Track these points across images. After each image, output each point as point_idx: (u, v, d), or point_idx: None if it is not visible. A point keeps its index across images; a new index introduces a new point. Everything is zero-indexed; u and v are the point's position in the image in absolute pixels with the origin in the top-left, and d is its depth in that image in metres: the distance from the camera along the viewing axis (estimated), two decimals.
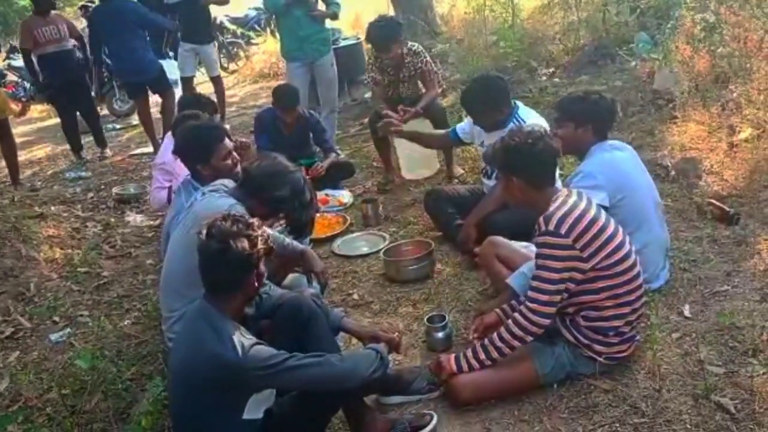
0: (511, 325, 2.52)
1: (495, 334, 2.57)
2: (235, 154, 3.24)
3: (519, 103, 3.87)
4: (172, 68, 7.70)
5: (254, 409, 2.15)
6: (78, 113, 7.28)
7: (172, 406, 2.28)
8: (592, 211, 2.50)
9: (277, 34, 6.88)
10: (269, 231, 3.28)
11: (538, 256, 2.51)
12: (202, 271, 2.16)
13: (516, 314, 2.53)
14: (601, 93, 3.25)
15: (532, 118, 3.67)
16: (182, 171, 3.51)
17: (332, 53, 5.85)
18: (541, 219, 2.48)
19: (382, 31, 4.80)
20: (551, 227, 2.43)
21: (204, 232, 2.14)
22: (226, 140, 3.21)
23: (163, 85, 7.00)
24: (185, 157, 3.24)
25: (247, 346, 2.04)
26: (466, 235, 3.73)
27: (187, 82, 7.36)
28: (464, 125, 4.08)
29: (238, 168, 3.23)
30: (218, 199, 2.75)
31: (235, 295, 2.18)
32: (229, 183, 2.94)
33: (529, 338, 2.51)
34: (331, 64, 5.80)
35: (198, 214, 2.76)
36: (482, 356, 2.57)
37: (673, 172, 4.31)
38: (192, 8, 7.06)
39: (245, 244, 2.10)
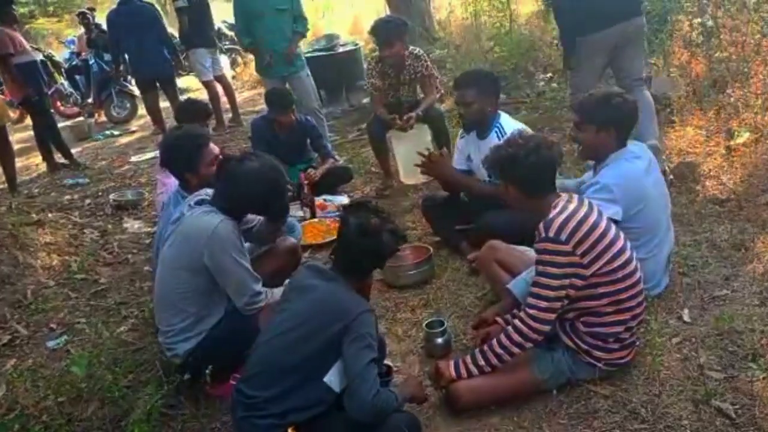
0: (511, 332, 2.50)
1: (494, 341, 2.55)
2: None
3: (501, 113, 3.87)
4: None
5: (336, 377, 2.22)
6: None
7: (269, 350, 2.32)
8: (593, 217, 2.48)
9: None
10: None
11: (538, 262, 2.50)
12: (345, 251, 2.39)
13: (516, 320, 2.51)
14: (624, 95, 3.04)
15: (511, 127, 3.65)
16: (173, 180, 3.52)
17: (306, 66, 5.93)
18: (541, 225, 2.46)
19: (387, 26, 4.90)
20: (551, 234, 2.42)
21: (356, 221, 2.35)
22: (211, 145, 3.20)
23: (170, 82, 7.68)
24: (172, 166, 3.23)
25: (366, 307, 2.29)
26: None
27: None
28: (455, 157, 4.05)
29: None
30: (205, 216, 2.73)
31: (361, 281, 2.41)
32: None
33: (529, 344, 2.50)
34: (306, 75, 5.89)
35: (187, 233, 2.76)
36: (481, 362, 2.56)
37: (671, 177, 4.31)
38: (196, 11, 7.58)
39: (392, 242, 2.38)
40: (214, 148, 3.22)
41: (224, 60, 11.23)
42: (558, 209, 2.47)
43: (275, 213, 3.01)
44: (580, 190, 3.03)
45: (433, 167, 3.86)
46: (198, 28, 7.67)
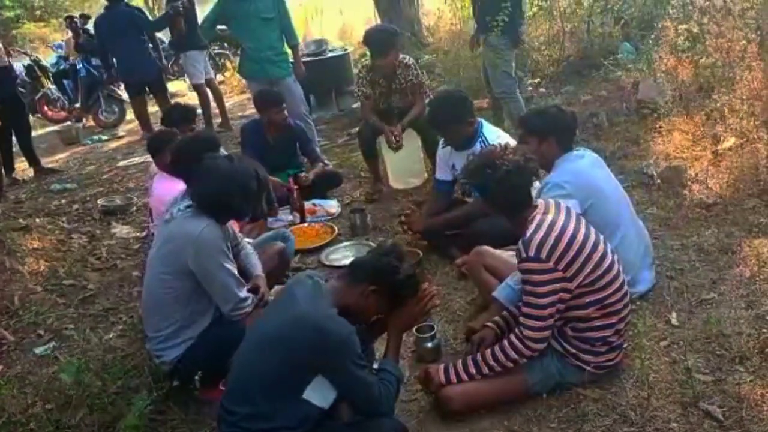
0: (507, 348, 2.51)
1: (488, 352, 2.56)
2: None
3: (483, 121, 3.92)
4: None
5: (316, 393, 2.19)
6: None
7: (244, 363, 2.28)
8: (572, 226, 2.48)
9: None
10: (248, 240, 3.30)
11: (524, 282, 2.50)
12: (360, 261, 2.41)
13: (513, 338, 2.51)
14: (560, 106, 3.33)
15: (494, 137, 3.71)
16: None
17: (292, 72, 5.98)
18: (520, 245, 2.46)
19: (382, 36, 4.91)
20: (531, 253, 2.41)
21: (387, 249, 2.42)
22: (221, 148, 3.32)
23: (160, 86, 7.69)
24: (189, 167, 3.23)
25: (349, 330, 2.17)
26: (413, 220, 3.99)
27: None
28: (438, 168, 4.14)
29: None
30: (191, 220, 2.72)
31: (358, 294, 2.31)
32: None
33: (524, 360, 2.52)
34: (293, 81, 5.92)
35: (173, 236, 2.75)
36: (473, 370, 2.57)
37: (658, 181, 4.34)
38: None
39: (406, 277, 2.35)
40: (223, 151, 3.32)
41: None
42: (534, 225, 2.47)
43: (246, 213, 2.97)
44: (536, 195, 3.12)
45: (414, 223, 3.98)
46: (190, 30, 7.64)
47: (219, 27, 6.60)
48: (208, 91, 8.10)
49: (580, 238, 2.46)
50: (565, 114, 3.21)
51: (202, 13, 7.84)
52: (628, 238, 3.10)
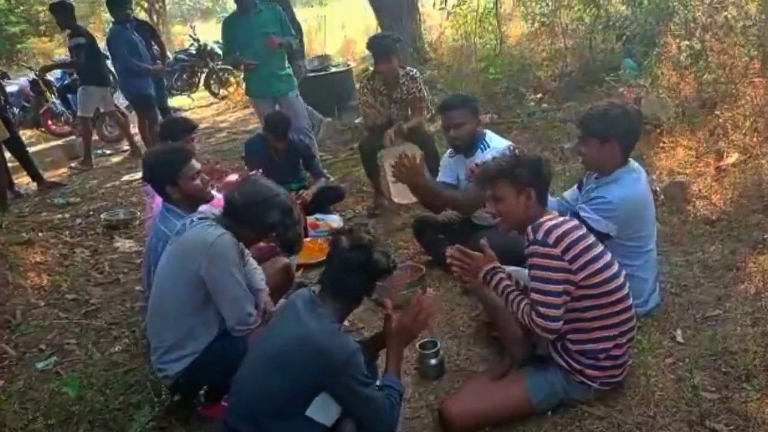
0: (522, 309, 2.46)
1: (523, 303, 2.47)
2: (204, 175, 3.23)
3: (488, 132, 3.91)
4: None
5: (319, 410, 2.19)
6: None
7: (247, 382, 2.29)
8: (580, 231, 2.48)
9: None
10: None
11: (532, 267, 2.45)
12: (336, 268, 2.37)
13: (526, 309, 2.44)
14: (625, 105, 3.06)
15: (498, 142, 3.72)
16: (158, 201, 3.51)
17: (296, 87, 6.02)
18: (529, 228, 2.44)
19: (384, 41, 5.03)
20: (539, 236, 2.40)
21: (347, 240, 2.37)
22: (193, 161, 3.20)
23: (165, 103, 7.94)
24: (153, 179, 3.23)
25: (353, 348, 2.19)
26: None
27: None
28: (441, 172, 4.08)
29: (209, 189, 3.27)
30: (207, 228, 2.71)
31: (350, 305, 2.41)
32: (218, 211, 2.92)
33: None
34: (296, 96, 5.97)
35: (186, 244, 2.73)
36: (506, 292, 2.56)
37: (662, 197, 4.34)
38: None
39: (383, 260, 2.36)
40: (196, 164, 3.23)
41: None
42: (548, 216, 2.51)
43: (286, 238, 2.92)
44: (566, 202, 3.17)
45: (405, 172, 3.56)
46: (93, 66, 7.62)
47: (221, 42, 6.64)
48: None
49: (587, 240, 2.45)
50: (629, 115, 2.95)
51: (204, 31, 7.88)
52: (652, 257, 3.10)
